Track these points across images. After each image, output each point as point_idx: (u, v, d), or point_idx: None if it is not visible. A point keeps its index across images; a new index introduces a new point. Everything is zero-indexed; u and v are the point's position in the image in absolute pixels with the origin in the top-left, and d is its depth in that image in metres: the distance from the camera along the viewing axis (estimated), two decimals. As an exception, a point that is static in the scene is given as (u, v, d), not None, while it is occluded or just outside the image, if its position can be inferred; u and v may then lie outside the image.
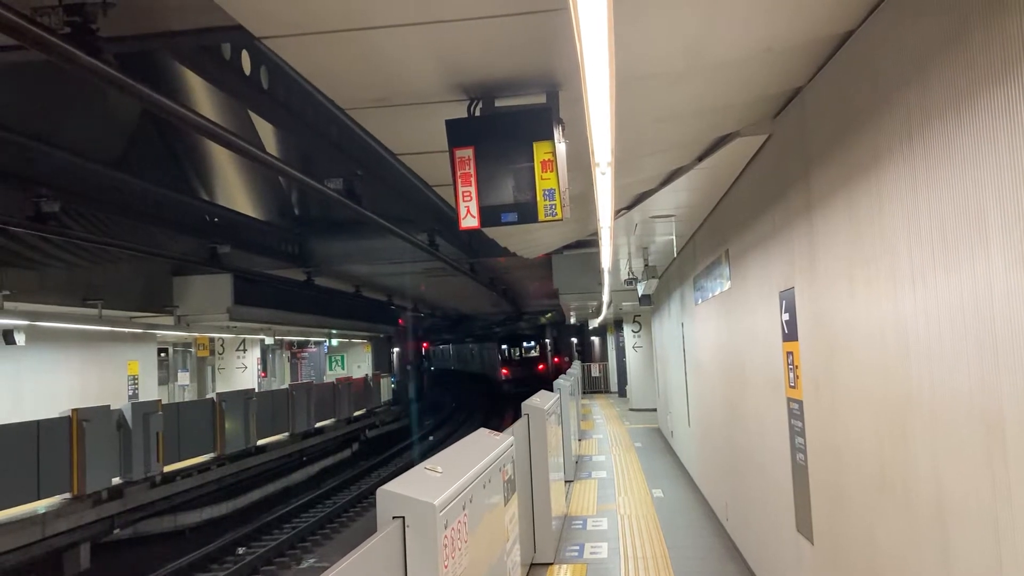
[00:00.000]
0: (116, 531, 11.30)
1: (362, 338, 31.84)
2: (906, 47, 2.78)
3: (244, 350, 23.12)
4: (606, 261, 8.99)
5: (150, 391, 17.72)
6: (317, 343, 32.18)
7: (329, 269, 16.49)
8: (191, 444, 13.50)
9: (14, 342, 13.29)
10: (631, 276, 12.19)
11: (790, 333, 4.64)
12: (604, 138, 3.52)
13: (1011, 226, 2.15)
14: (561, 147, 3.63)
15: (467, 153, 3.66)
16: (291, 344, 30.58)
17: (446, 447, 4.48)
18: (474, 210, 3.68)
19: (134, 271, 14.45)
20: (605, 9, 2.24)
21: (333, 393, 21.48)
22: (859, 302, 3.42)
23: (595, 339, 36.60)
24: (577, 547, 7.30)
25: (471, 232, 11.72)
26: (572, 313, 22.45)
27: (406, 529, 2.79)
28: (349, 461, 21.23)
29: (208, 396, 18.27)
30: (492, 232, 8.20)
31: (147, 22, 4.35)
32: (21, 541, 9.18)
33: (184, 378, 22.81)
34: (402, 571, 2.77)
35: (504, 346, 40.16)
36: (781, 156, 4.72)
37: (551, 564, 6.73)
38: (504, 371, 39.45)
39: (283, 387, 20.40)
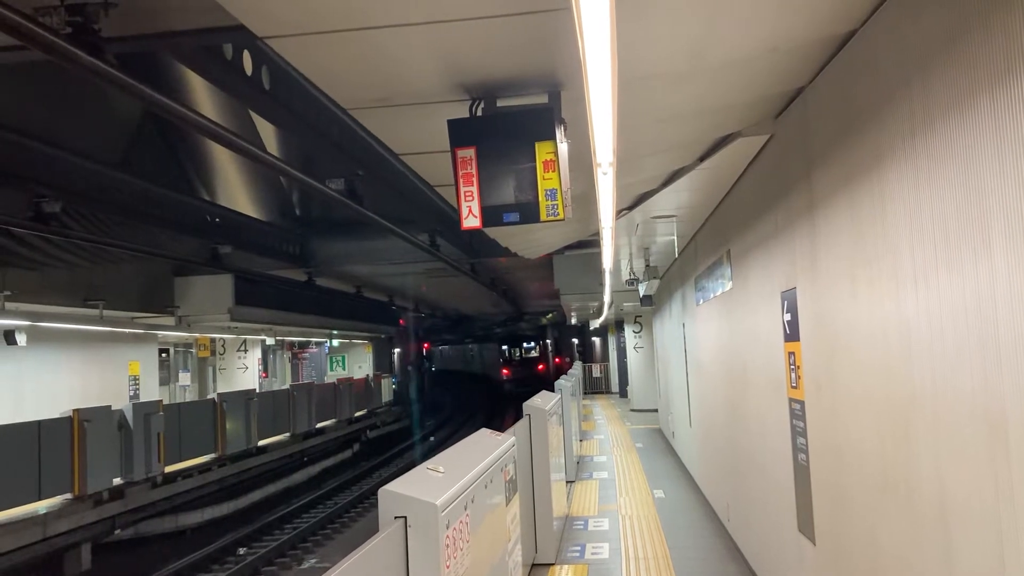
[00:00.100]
0: (117, 531, 11.30)
1: (363, 339, 31.85)
2: (908, 46, 2.78)
3: (245, 350, 23.12)
4: (607, 261, 8.99)
5: (151, 391, 17.72)
6: (318, 344, 32.18)
7: (330, 269, 16.49)
8: (192, 444, 13.50)
9: (15, 342, 13.30)
10: (632, 276, 12.18)
11: (792, 333, 4.63)
12: (606, 138, 3.51)
13: (1014, 225, 2.14)
14: (563, 147, 3.63)
15: (469, 153, 3.66)
16: (292, 344, 30.57)
17: (447, 447, 4.48)
18: (476, 210, 3.68)
19: (135, 271, 14.45)
20: (607, 9, 2.23)
21: (334, 393, 21.47)
22: (861, 302, 3.41)
23: (596, 340, 36.58)
24: (578, 547, 7.30)
25: (472, 232, 11.72)
26: (573, 314, 22.44)
27: (408, 529, 2.79)
28: (350, 462, 21.23)
29: (209, 396, 18.28)
30: (493, 232, 8.20)
31: (148, 22, 4.35)
32: (22, 541, 9.18)
33: (185, 378, 22.80)
34: (404, 571, 2.77)
35: (505, 347, 40.34)
36: (783, 156, 4.72)
37: (552, 564, 6.73)
38: (505, 371, 39.69)
39: (284, 387, 20.39)
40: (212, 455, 14.16)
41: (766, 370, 5.41)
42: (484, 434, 5.05)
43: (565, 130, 3.68)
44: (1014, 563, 2.24)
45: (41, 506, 9.70)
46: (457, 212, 3.74)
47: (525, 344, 40.79)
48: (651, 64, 3.57)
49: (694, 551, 7.18)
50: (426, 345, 49.09)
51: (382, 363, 33.45)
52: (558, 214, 3.62)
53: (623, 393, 26.20)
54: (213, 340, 22.26)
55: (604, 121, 3.28)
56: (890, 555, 3.24)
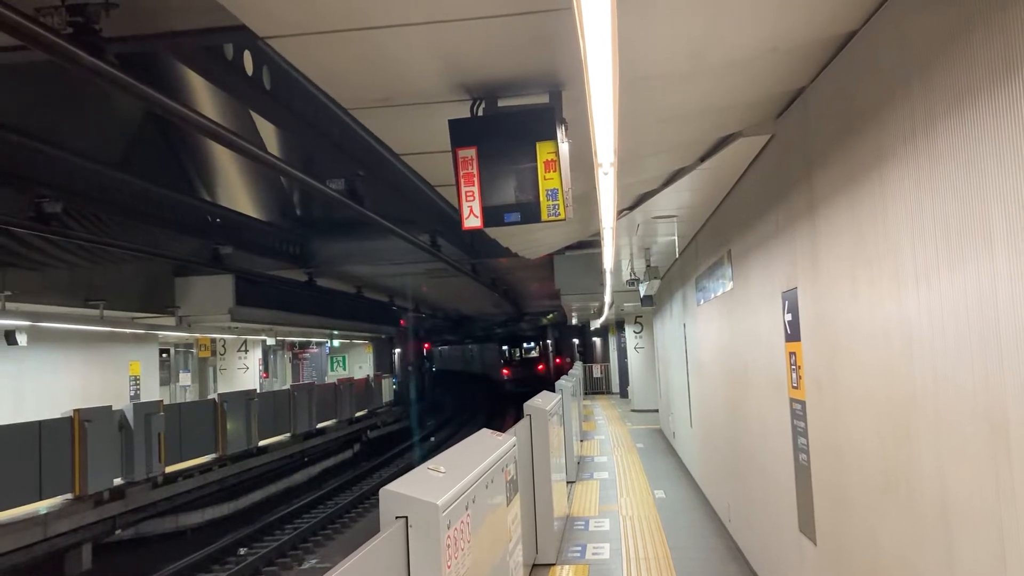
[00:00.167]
0: (118, 532, 11.31)
1: (363, 339, 31.85)
2: (909, 45, 2.78)
3: (246, 351, 23.12)
4: (608, 262, 8.98)
5: (152, 392, 17.72)
6: (319, 344, 32.20)
7: (331, 270, 16.49)
8: (193, 445, 13.50)
9: (16, 343, 13.30)
10: (633, 277, 12.17)
11: (793, 333, 4.63)
12: (607, 138, 3.51)
13: (1015, 224, 2.14)
14: (564, 147, 3.63)
15: (470, 153, 3.66)
16: (293, 345, 30.59)
17: (448, 448, 4.48)
18: (477, 210, 3.68)
19: (136, 272, 14.45)
20: (609, 9, 2.23)
21: (335, 394, 21.48)
22: (862, 302, 3.41)
23: (596, 340, 36.59)
24: (579, 548, 7.30)
25: (473, 233, 11.73)
26: (574, 314, 22.44)
27: (409, 529, 2.79)
28: (351, 462, 21.23)
29: (210, 397, 18.28)
30: (494, 232, 8.19)
31: (149, 22, 4.35)
32: (23, 542, 9.18)
33: (186, 379, 22.82)
34: (405, 571, 2.76)
35: (505, 347, 40.48)
36: (784, 156, 4.72)
37: (553, 565, 6.73)
38: (505, 371, 39.82)
39: (285, 388, 20.39)
40: (213, 455, 14.16)
41: (767, 370, 5.41)
42: (485, 434, 5.05)
43: (566, 130, 3.68)
44: (1016, 563, 2.23)
45: (42, 506, 9.71)
46: (458, 212, 3.74)
47: (525, 344, 40.93)
48: (652, 64, 3.57)
49: (695, 551, 7.18)
50: (427, 345, 49.10)
51: (383, 363, 33.46)
52: (559, 214, 3.62)
53: (624, 393, 26.19)
54: (214, 340, 22.27)
55: (605, 121, 3.28)
56: (891, 555, 3.24)
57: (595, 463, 12.55)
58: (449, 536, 2.95)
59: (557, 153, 3.59)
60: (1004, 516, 2.28)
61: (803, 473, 4.58)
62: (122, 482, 11.18)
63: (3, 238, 9.42)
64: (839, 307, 3.75)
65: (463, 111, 3.83)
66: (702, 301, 8.78)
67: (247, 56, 5.77)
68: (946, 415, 2.63)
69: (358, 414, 23.34)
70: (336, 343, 32.52)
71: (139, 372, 17.52)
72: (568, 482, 10.29)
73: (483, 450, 4.32)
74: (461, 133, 3.70)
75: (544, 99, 3.78)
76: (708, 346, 8.55)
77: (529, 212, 3.65)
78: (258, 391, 17.75)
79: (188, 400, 20.72)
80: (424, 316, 34.91)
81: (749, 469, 6.40)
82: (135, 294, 14.72)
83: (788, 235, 4.64)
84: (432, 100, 3.94)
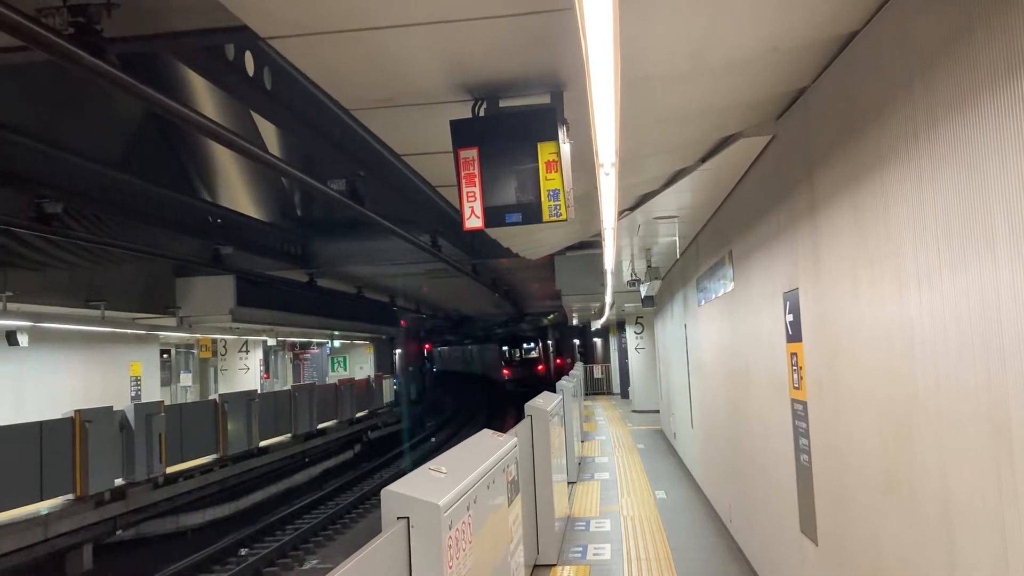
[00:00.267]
0: (119, 532, 11.31)
1: (364, 339, 31.85)
2: (911, 45, 2.77)
3: (246, 351, 23.12)
4: (609, 262, 8.98)
5: (152, 392, 17.72)
6: (319, 344, 32.19)
7: (331, 270, 16.49)
8: (193, 445, 13.50)
9: (17, 343, 13.30)
10: (634, 277, 12.17)
11: (794, 334, 4.63)
12: (608, 139, 3.51)
13: (1017, 225, 2.14)
14: (565, 147, 3.63)
15: (471, 153, 3.66)
16: (293, 345, 30.59)
17: (449, 448, 4.48)
18: (478, 210, 3.68)
19: (136, 272, 14.45)
20: (611, 9, 2.23)
21: (335, 394, 21.48)
22: (864, 303, 3.41)
23: (597, 340, 36.60)
24: (580, 548, 7.29)
25: (474, 233, 11.73)
26: (575, 314, 22.43)
27: (411, 529, 2.78)
28: (351, 462, 21.23)
29: (210, 397, 18.29)
30: (495, 233, 8.19)
31: (151, 23, 4.34)
32: (24, 542, 9.19)
33: (186, 379, 22.82)
34: (407, 572, 2.76)
35: (505, 347, 40.67)
36: (785, 157, 4.71)
37: (554, 565, 6.72)
38: (505, 371, 40.00)
39: (285, 388, 20.40)
40: (213, 456, 14.16)
41: (768, 371, 5.41)
42: (486, 435, 5.04)
43: (568, 130, 3.68)
44: (1018, 564, 2.23)
45: (43, 507, 9.71)
46: (459, 212, 3.74)
47: (525, 345, 41.10)
48: (653, 64, 3.57)
49: (696, 552, 7.17)
50: (427, 346, 49.13)
51: (383, 364, 33.46)
52: (561, 214, 3.62)
53: (624, 394, 26.19)
54: (214, 341, 22.27)
55: (606, 121, 3.28)
56: (893, 556, 3.23)
57: (596, 464, 12.55)
58: (451, 537, 2.95)
59: (559, 153, 3.59)
60: (1006, 516, 2.28)
61: (804, 473, 4.58)
62: (123, 483, 11.18)
63: (4, 238, 9.42)
64: (841, 308, 3.75)
65: (465, 111, 3.83)
66: (703, 302, 8.77)
67: (248, 56, 5.77)
68: (948, 416, 2.63)
69: (359, 415, 23.34)
70: (337, 344, 32.52)
71: (140, 373, 17.53)
72: (569, 483, 10.29)
73: (484, 451, 4.32)
74: (463, 133, 3.70)
75: (546, 99, 3.78)
76: (709, 347, 8.55)
77: (530, 212, 3.65)
78: (259, 391, 17.75)
79: (189, 401, 20.72)
80: (425, 317, 34.92)
81: (750, 469, 6.40)
82: (136, 294, 14.72)
83: (789, 236, 4.64)
84: (434, 100, 3.94)
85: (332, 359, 33.02)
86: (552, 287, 15.86)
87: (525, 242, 9.70)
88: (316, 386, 20.34)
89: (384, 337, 32.55)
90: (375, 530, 2.73)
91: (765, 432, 5.66)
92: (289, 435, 17.76)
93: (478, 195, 3.67)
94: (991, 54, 2.23)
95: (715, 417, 8.41)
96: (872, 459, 3.41)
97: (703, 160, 5.58)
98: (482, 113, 3.80)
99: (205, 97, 9.88)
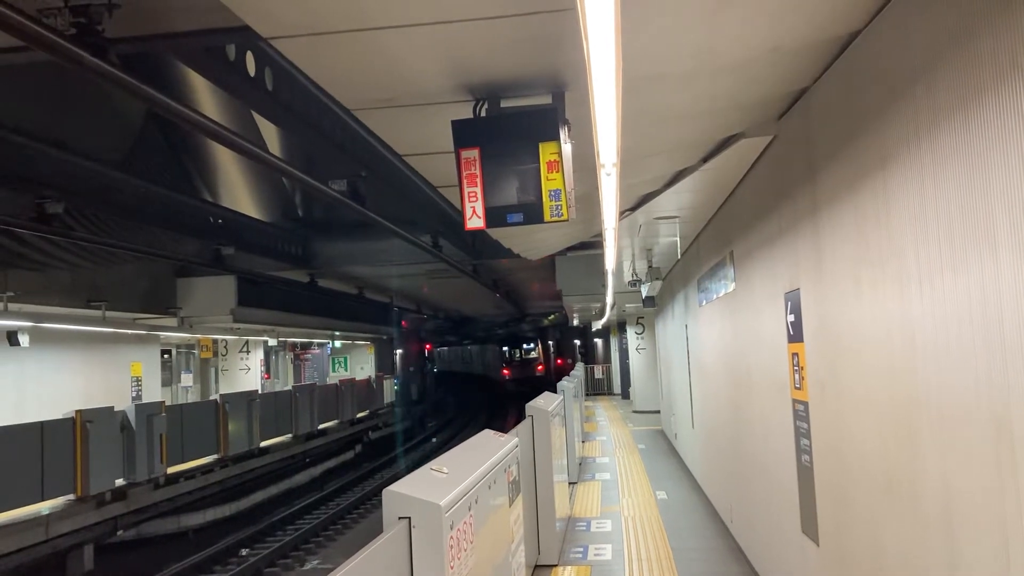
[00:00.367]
0: (120, 533, 11.30)
1: (365, 340, 31.85)
2: (912, 46, 2.77)
3: (247, 352, 23.12)
4: (610, 263, 8.98)
5: (153, 393, 17.73)
6: (320, 345, 32.20)
7: (332, 271, 16.49)
8: (194, 446, 13.50)
9: (18, 343, 13.31)
10: (635, 278, 12.17)
11: (795, 334, 4.63)
12: (610, 139, 3.51)
13: (1019, 226, 2.14)
14: (567, 148, 3.63)
15: (473, 154, 3.66)
16: (294, 346, 30.59)
17: (450, 448, 4.48)
18: (480, 211, 3.68)
19: (137, 272, 14.45)
20: (612, 10, 2.23)
21: (336, 395, 21.48)
22: (865, 303, 3.41)
23: (598, 341, 36.60)
24: (581, 548, 7.29)
25: (475, 233, 11.73)
26: (575, 315, 22.43)
27: (412, 530, 2.78)
28: (352, 463, 21.23)
29: (211, 398, 18.28)
30: (496, 233, 8.20)
31: (152, 23, 4.34)
32: (25, 542, 9.19)
33: (187, 380, 22.82)
34: (408, 572, 2.76)
35: (506, 348, 40.82)
36: (786, 157, 4.71)
37: (555, 566, 6.72)
38: (506, 372, 40.13)
39: (286, 389, 20.39)
40: (214, 456, 14.16)
41: (769, 371, 5.41)
42: (487, 435, 5.04)
43: (569, 131, 3.68)
44: (1019, 564, 2.23)
45: (44, 507, 9.71)
46: (460, 213, 3.74)
47: (526, 345, 41.23)
48: (654, 64, 3.57)
49: (697, 552, 7.17)
50: (428, 346, 49.15)
51: (384, 364, 33.46)
52: (562, 215, 3.62)
53: (625, 394, 26.19)
54: (215, 341, 22.28)
55: (608, 122, 3.28)
56: (894, 556, 3.23)
57: (597, 464, 12.54)
58: (452, 537, 2.95)
59: (560, 154, 3.59)
60: (1008, 517, 2.28)
61: (806, 474, 4.58)
62: (124, 483, 11.18)
63: (5, 239, 9.43)
64: (842, 308, 3.74)
65: (466, 112, 3.83)
66: (704, 302, 8.77)
67: (249, 57, 5.77)
68: (949, 416, 2.63)
69: (360, 415, 23.33)
70: (338, 344, 32.52)
71: (141, 373, 17.54)
72: (570, 483, 10.29)
73: (486, 451, 4.32)
74: (464, 134, 3.70)
75: (547, 100, 3.78)
76: (710, 347, 8.55)
77: (532, 213, 3.65)
78: (260, 392, 17.76)
79: (190, 401, 20.73)
80: (426, 317, 34.93)
81: (751, 470, 6.40)
82: (137, 295, 14.72)
83: (791, 236, 4.64)
84: (435, 101, 3.94)
85: (333, 359, 33.03)
86: (553, 287, 15.86)
87: (526, 242, 9.70)
88: (317, 386, 20.33)
89: (385, 337, 32.56)
90: (376, 530, 2.73)
91: (766, 432, 5.66)
92: (290, 435, 17.75)
93: (479, 195, 3.67)
94: (994, 55, 2.23)
95: (716, 417, 8.41)
96: (873, 459, 3.41)
97: (704, 160, 5.58)
98: (483, 113, 3.80)
99: (206, 97, 9.89)
